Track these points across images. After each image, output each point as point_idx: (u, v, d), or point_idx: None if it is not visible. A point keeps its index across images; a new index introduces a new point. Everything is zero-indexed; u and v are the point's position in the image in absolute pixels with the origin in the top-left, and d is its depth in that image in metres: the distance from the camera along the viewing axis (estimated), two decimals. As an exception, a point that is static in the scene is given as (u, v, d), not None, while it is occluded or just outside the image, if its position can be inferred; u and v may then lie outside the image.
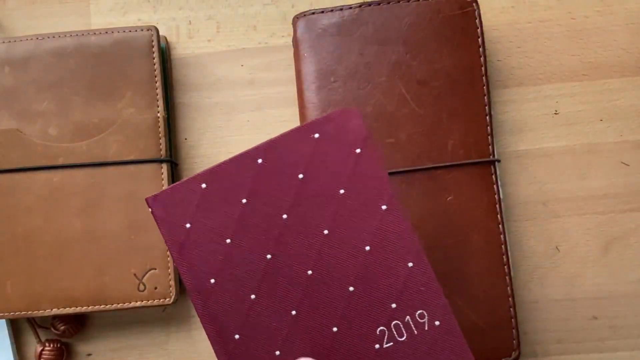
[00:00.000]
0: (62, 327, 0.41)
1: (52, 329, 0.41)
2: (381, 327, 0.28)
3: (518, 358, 0.38)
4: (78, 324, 0.42)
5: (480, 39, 0.40)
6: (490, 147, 0.39)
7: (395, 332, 0.28)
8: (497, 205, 0.39)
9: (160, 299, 0.39)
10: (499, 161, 0.40)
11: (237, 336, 0.28)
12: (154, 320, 0.42)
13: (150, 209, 0.29)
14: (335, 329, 0.28)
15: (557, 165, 0.43)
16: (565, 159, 0.43)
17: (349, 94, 0.40)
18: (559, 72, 0.44)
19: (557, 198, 0.43)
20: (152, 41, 0.41)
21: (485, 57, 0.40)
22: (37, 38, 0.41)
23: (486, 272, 0.38)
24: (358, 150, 0.28)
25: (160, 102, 0.41)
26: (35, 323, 0.42)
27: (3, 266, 0.39)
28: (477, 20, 0.40)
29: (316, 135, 0.28)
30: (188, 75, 0.44)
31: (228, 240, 0.28)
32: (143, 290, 0.39)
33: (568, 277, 0.42)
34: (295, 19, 0.41)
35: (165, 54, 0.43)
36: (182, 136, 0.44)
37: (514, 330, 0.38)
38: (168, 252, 0.39)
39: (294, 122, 0.43)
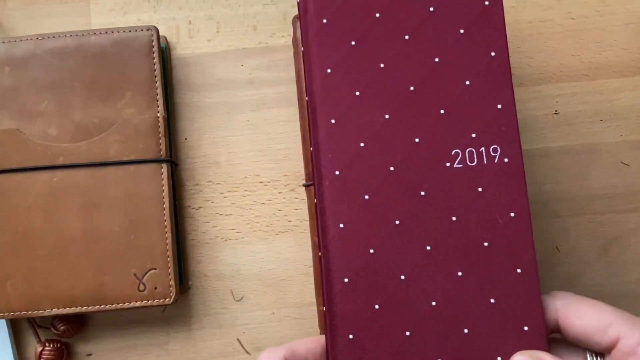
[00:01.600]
0: (62, 327, 0.41)
1: (52, 329, 0.41)
2: (456, 150, 0.31)
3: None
4: (78, 324, 0.42)
5: (480, 39, 0.40)
6: (490, 147, 0.39)
7: (467, 157, 0.31)
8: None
9: (160, 299, 0.39)
10: (499, 161, 0.40)
11: (332, 121, 0.32)
12: (154, 320, 0.42)
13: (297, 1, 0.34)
14: (417, 140, 0.32)
15: (557, 165, 0.43)
16: (565, 159, 0.43)
17: (349, 93, 0.40)
18: (559, 72, 0.44)
19: (557, 198, 0.43)
20: (152, 41, 0.41)
21: (485, 57, 0.40)
22: (37, 38, 0.41)
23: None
24: (487, 3, 0.32)
25: (160, 102, 0.41)
26: (35, 323, 0.42)
27: (3, 266, 0.39)
28: (477, 20, 0.40)
29: None
30: (188, 75, 0.44)
31: (353, 43, 0.32)
32: (143, 290, 0.39)
33: (568, 277, 0.42)
34: (296, 19, 0.41)
35: (165, 54, 0.43)
36: (182, 136, 0.44)
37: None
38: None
39: (294, 122, 0.43)
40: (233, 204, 0.43)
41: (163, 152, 0.40)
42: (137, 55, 0.41)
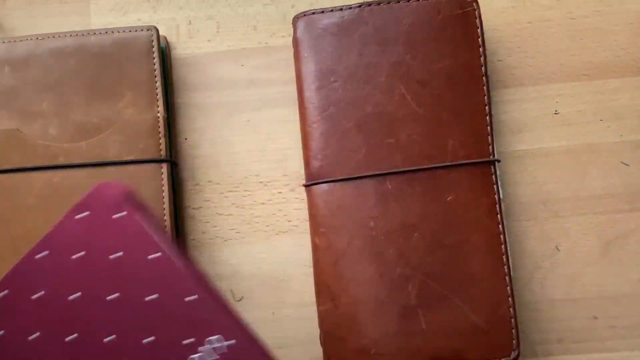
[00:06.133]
0: (62, 327, 0.41)
1: (52, 329, 0.41)
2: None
3: (517, 358, 0.38)
4: (78, 324, 0.42)
5: (480, 39, 0.40)
6: (490, 147, 0.39)
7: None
8: (497, 205, 0.39)
9: (160, 299, 0.39)
10: (499, 161, 0.40)
11: None
12: (154, 320, 0.42)
13: None
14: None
15: (557, 165, 0.43)
16: (565, 159, 0.43)
17: (349, 94, 0.40)
18: (559, 72, 0.44)
19: (557, 198, 0.43)
20: (152, 41, 0.41)
21: (485, 57, 0.40)
22: (37, 38, 0.41)
23: (486, 272, 0.38)
24: (116, 215, 0.29)
25: (160, 102, 0.41)
26: (35, 323, 0.42)
27: (3, 266, 0.39)
28: (477, 20, 0.40)
29: (85, 214, 0.29)
30: (188, 75, 0.44)
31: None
32: (143, 290, 0.39)
33: (568, 277, 0.42)
34: (295, 19, 0.41)
35: (165, 54, 0.43)
36: (182, 136, 0.44)
37: (513, 330, 0.38)
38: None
39: (294, 122, 0.43)
40: (233, 204, 0.43)
41: (163, 152, 0.40)
42: (137, 55, 0.41)
